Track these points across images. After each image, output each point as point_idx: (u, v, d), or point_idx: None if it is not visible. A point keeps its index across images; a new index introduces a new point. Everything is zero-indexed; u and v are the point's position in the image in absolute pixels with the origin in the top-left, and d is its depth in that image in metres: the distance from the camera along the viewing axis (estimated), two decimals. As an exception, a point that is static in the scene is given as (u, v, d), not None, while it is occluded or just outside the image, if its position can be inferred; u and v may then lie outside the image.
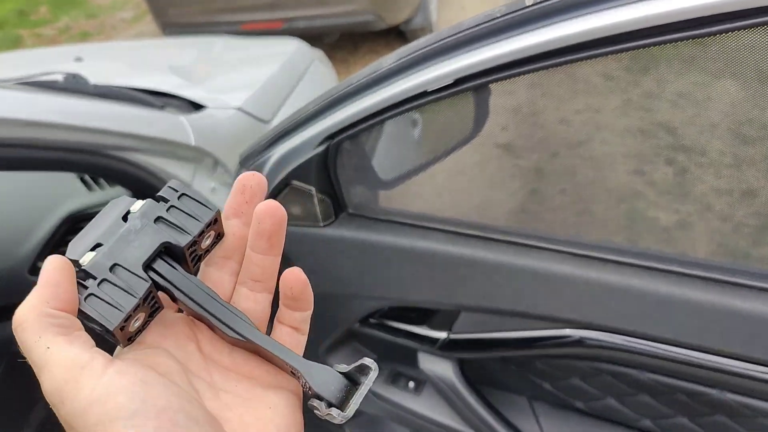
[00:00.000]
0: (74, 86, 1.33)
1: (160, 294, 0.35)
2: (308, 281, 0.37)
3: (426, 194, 1.10)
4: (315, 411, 0.34)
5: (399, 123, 0.99)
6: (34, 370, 0.30)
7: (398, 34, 4.00)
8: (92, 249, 0.34)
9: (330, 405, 0.34)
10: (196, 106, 1.51)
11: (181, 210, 0.35)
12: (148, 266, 0.34)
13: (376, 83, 0.86)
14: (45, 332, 0.29)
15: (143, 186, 1.18)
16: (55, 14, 6.03)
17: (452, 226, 0.99)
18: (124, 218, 0.35)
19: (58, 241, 1.28)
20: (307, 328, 0.39)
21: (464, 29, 0.74)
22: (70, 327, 0.30)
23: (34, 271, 1.26)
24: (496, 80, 0.76)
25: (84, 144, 1.11)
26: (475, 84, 0.77)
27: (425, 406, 1.18)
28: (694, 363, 0.84)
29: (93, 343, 0.31)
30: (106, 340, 0.34)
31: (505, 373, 1.10)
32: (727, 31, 0.61)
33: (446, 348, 1.07)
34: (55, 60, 2.00)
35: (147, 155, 1.18)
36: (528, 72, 0.71)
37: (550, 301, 0.91)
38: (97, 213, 0.35)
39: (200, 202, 0.36)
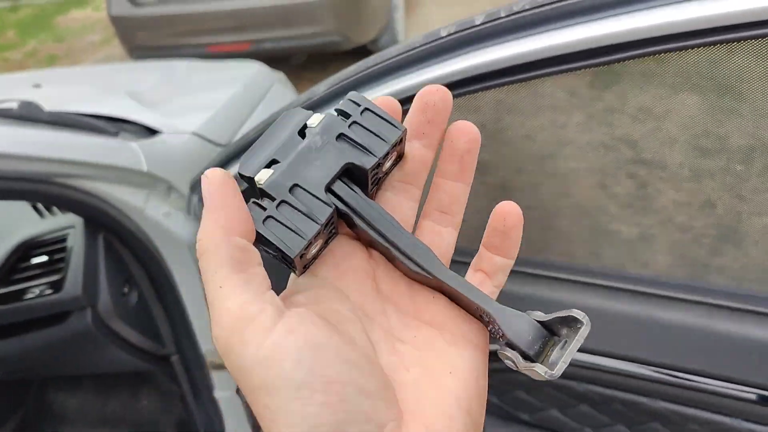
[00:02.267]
0: (28, 114, 1.34)
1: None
2: (523, 219, 0.32)
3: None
4: (507, 362, 0.30)
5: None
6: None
7: (367, 54, 4.03)
8: (267, 166, 0.31)
9: (525, 357, 0.30)
10: (152, 132, 1.52)
11: (365, 127, 0.31)
12: (328, 189, 0.31)
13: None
14: (222, 266, 0.27)
15: (95, 213, 1.18)
16: (23, 38, 5.99)
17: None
18: (301, 134, 0.32)
19: (11, 268, 1.28)
20: (503, 281, 0.33)
21: (389, 57, 0.77)
22: (247, 262, 0.28)
23: (-14, 300, 1.26)
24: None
25: (35, 173, 1.12)
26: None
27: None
28: (627, 373, 0.87)
29: (268, 284, 0.28)
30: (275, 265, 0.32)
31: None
32: (680, 49, 0.62)
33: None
34: (13, 87, 2.00)
35: (98, 182, 1.19)
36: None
37: None
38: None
39: (385, 119, 0.32)
